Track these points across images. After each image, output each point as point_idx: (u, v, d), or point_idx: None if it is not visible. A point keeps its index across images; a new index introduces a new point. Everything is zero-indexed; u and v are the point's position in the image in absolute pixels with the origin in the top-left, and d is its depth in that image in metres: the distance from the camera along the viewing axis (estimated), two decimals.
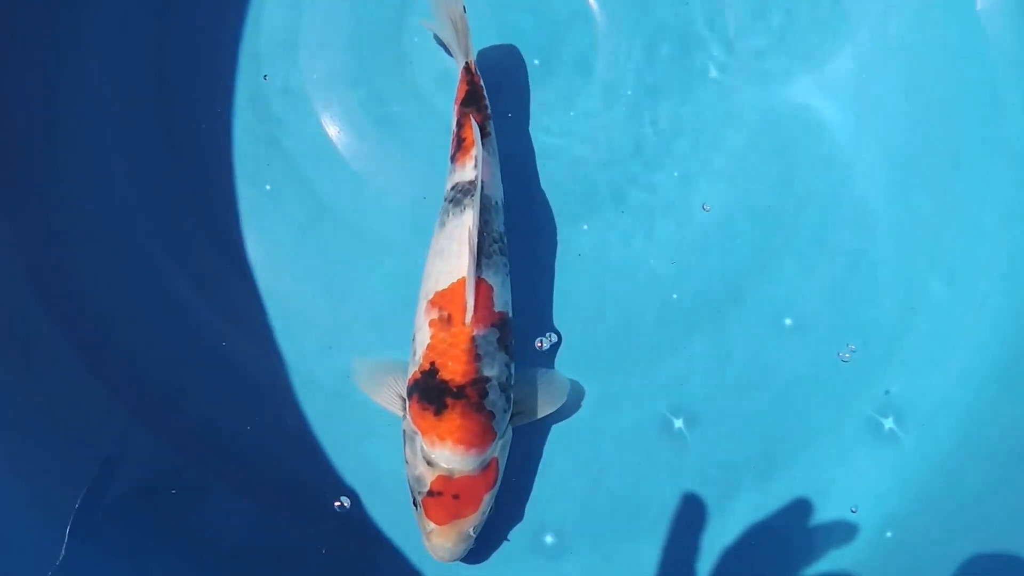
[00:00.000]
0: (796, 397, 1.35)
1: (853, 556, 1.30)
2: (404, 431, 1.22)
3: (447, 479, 1.16)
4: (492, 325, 1.20)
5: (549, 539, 1.31)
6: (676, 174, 1.40)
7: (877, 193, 1.39)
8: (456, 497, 1.17)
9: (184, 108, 1.40)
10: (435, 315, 1.20)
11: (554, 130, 1.41)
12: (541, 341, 1.34)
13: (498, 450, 1.20)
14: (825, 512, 1.32)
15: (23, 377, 1.31)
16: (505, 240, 1.27)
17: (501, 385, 1.20)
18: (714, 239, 1.39)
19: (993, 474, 1.31)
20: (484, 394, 1.18)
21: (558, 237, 1.38)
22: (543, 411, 1.26)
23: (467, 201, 1.23)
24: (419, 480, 1.18)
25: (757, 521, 1.31)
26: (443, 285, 1.21)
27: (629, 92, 1.41)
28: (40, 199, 1.37)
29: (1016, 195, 1.39)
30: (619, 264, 1.38)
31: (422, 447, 1.18)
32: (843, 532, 1.31)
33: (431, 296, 1.22)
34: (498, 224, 1.27)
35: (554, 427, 1.33)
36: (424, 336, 1.21)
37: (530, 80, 1.41)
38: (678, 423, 1.34)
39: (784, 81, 1.42)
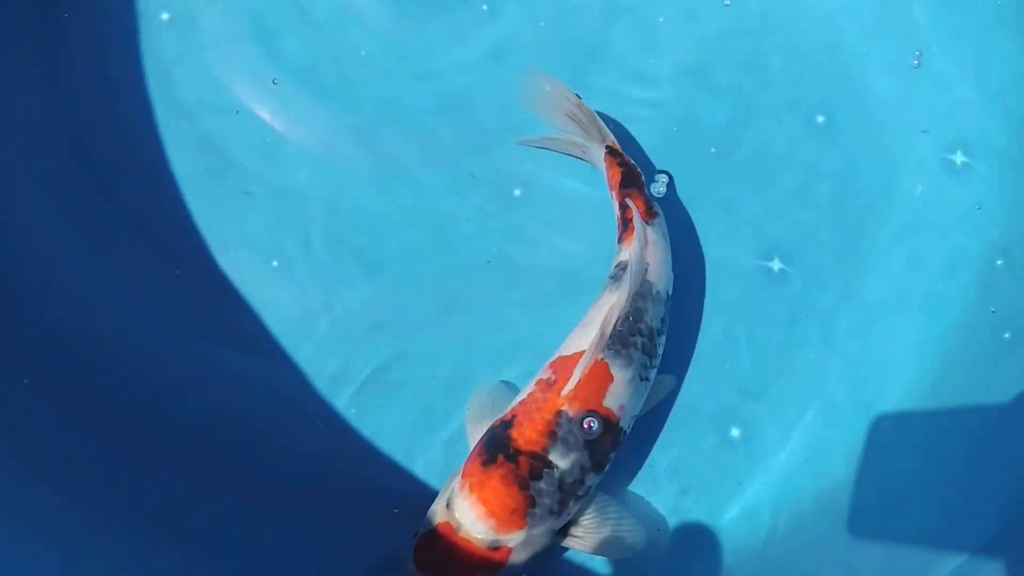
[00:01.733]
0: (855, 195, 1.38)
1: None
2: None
3: (451, 529, 1.08)
4: (590, 413, 1.11)
5: (735, 432, 1.31)
6: None
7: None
8: (447, 553, 1.07)
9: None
10: (545, 375, 1.16)
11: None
12: (659, 189, 1.33)
13: (517, 544, 1.07)
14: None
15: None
16: (656, 342, 1.17)
17: (563, 486, 1.08)
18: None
19: None
20: (536, 475, 1.07)
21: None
22: (601, 551, 1.14)
23: (625, 277, 1.17)
24: (431, 514, 1.12)
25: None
26: (567, 352, 1.16)
27: None
28: None
29: None
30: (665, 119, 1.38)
31: (454, 486, 1.12)
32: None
33: (554, 358, 1.18)
34: (652, 317, 1.16)
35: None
36: (526, 391, 1.16)
37: None
38: (776, 265, 1.35)
39: None
